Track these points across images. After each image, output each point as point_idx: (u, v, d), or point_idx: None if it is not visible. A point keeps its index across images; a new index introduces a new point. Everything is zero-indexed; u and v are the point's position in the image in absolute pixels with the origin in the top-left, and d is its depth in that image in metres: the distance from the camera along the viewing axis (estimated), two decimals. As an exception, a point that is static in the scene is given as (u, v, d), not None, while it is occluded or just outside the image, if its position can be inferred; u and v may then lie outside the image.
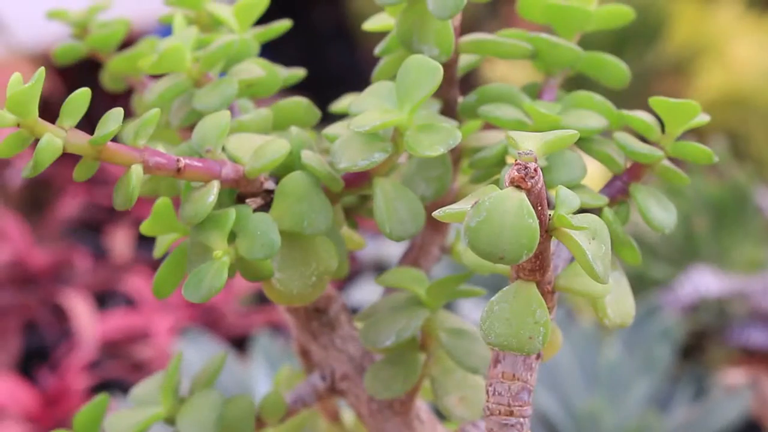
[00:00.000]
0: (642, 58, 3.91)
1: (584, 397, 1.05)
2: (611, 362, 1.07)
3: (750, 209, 1.22)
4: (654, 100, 0.45)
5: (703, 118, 0.46)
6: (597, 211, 0.46)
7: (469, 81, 0.78)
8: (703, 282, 1.09)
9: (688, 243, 1.20)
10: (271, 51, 0.68)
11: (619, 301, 0.46)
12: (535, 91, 0.50)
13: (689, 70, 4.10)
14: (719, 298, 1.16)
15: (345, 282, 1.25)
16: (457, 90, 0.50)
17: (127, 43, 0.61)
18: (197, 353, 1.06)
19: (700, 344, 1.22)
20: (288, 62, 0.55)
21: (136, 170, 0.42)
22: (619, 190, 0.47)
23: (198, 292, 0.42)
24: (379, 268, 1.33)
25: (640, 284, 1.20)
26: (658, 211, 0.46)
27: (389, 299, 0.50)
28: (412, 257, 0.54)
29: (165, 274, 0.46)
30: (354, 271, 1.30)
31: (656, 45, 3.90)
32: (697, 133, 2.61)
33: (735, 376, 1.08)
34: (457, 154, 0.52)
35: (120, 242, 1.57)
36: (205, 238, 0.44)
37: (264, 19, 0.53)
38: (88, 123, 0.43)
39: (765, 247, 1.23)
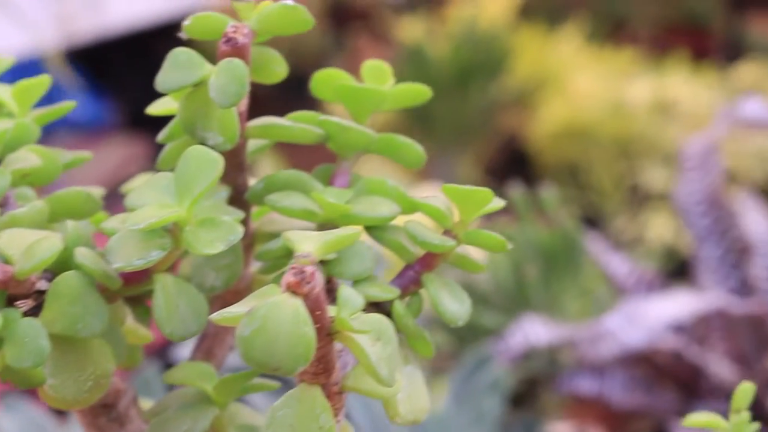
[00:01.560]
0: (486, 92, 3.97)
1: (414, 453, 1.04)
2: (440, 416, 1.06)
3: (579, 256, 1.23)
4: (446, 188, 0.44)
5: (496, 204, 0.45)
6: (389, 303, 0.45)
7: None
8: (533, 331, 1.09)
9: (520, 291, 1.21)
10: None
11: (412, 396, 0.45)
12: (327, 176, 0.48)
13: (532, 102, 4.17)
14: (550, 346, 1.16)
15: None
16: (246, 175, 0.48)
17: None
18: (14, 422, 1.01)
19: (533, 391, 1.22)
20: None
21: None
22: (411, 281, 0.46)
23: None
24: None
25: (472, 334, 1.20)
26: (451, 303, 0.45)
27: (179, 394, 0.48)
28: (206, 347, 0.52)
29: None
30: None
31: (500, 78, 3.96)
32: (542, 166, 2.64)
33: (562, 426, 1.09)
34: (249, 239, 0.50)
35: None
36: (-31, 345, 0.41)
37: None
38: None
39: (592, 296, 1.24)
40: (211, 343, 0.52)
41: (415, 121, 3.78)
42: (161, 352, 1.35)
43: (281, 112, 0.50)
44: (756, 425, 0.51)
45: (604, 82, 4.07)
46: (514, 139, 4.39)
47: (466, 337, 1.21)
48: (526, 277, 1.19)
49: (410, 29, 3.90)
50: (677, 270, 3.46)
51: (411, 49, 3.78)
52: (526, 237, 1.23)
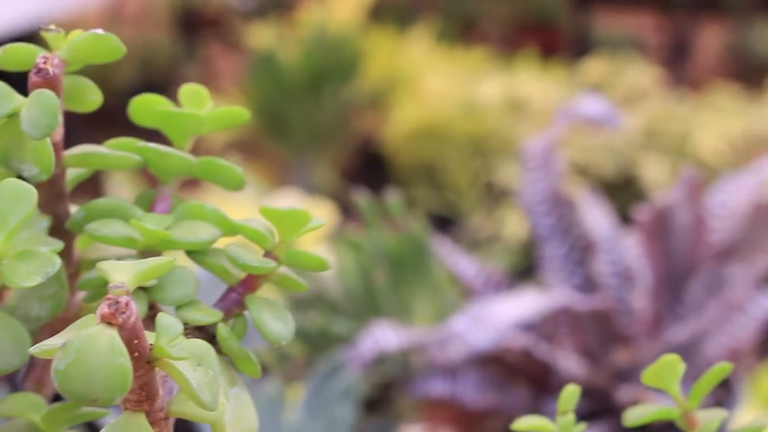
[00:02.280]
0: (339, 95, 3.98)
1: (269, 464, 1.04)
2: (294, 425, 1.06)
3: (427, 260, 1.24)
4: (264, 210, 0.45)
5: (316, 223, 0.46)
6: (213, 326, 0.45)
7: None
8: (384, 336, 1.10)
9: (369, 297, 1.22)
10: None
11: (239, 418, 0.45)
12: (148, 202, 0.49)
13: (386, 104, 4.20)
14: (401, 350, 1.17)
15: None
16: (67, 204, 0.48)
17: None
18: None
19: (387, 396, 1.23)
20: None
21: None
22: (234, 303, 0.46)
23: None
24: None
25: (324, 342, 1.21)
26: (274, 324, 0.45)
27: (10, 427, 0.48)
28: (36, 376, 0.51)
29: None
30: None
31: (353, 81, 3.98)
32: (398, 167, 2.65)
33: (415, 429, 1.10)
34: (74, 268, 0.50)
35: None
36: None
37: None
38: None
39: (442, 298, 1.26)
40: (41, 372, 0.51)
41: (270, 127, 3.78)
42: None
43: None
44: (583, 425, 0.52)
45: (457, 81, 4.12)
46: (370, 142, 4.41)
47: (319, 345, 1.21)
48: (376, 282, 1.20)
49: (261, 35, 3.90)
50: (532, 266, 3.52)
51: (262, 55, 3.77)
52: (375, 243, 1.24)
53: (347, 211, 2.45)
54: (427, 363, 1.15)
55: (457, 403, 1.15)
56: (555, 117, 1.28)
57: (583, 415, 1.16)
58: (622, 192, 3.57)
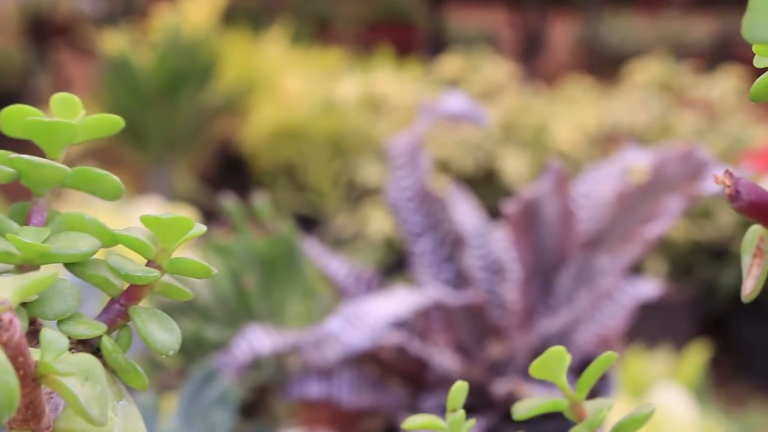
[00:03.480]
0: (196, 99, 3.94)
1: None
2: (171, 436, 1.05)
3: (298, 261, 1.24)
4: (144, 218, 0.44)
5: (198, 229, 0.45)
6: (97, 340, 0.44)
7: None
8: (257, 340, 1.09)
9: (241, 302, 1.20)
10: None
11: (127, 430, 0.44)
12: (23, 215, 0.47)
13: (244, 106, 4.17)
14: (276, 354, 1.16)
15: None
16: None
17: None
18: None
19: (263, 400, 1.23)
20: None
21: None
22: (118, 314, 0.45)
23: None
24: None
25: (198, 349, 1.19)
26: (160, 334, 0.44)
27: None
28: None
29: None
30: None
31: (209, 84, 3.94)
32: (259, 169, 2.63)
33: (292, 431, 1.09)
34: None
35: None
36: None
37: None
38: None
39: (315, 300, 1.25)
40: None
41: (126, 134, 3.73)
42: None
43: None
44: (472, 421, 0.52)
45: (314, 81, 4.12)
46: (229, 145, 4.38)
47: (193, 352, 1.20)
48: (247, 287, 1.19)
49: (113, 41, 3.84)
50: (399, 261, 3.54)
51: (115, 61, 3.71)
52: (244, 247, 1.23)
53: (209, 216, 2.43)
54: (302, 365, 1.14)
55: (334, 403, 1.15)
56: (418, 114, 1.28)
57: (463, 408, 1.16)
58: (483, 186, 3.61)
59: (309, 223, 3.71)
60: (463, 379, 1.21)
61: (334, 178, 3.91)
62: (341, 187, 3.93)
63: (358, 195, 3.89)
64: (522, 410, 0.51)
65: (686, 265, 3.54)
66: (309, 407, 1.22)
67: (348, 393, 1.15)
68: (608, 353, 0.48)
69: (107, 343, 0.44)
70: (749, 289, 0.35)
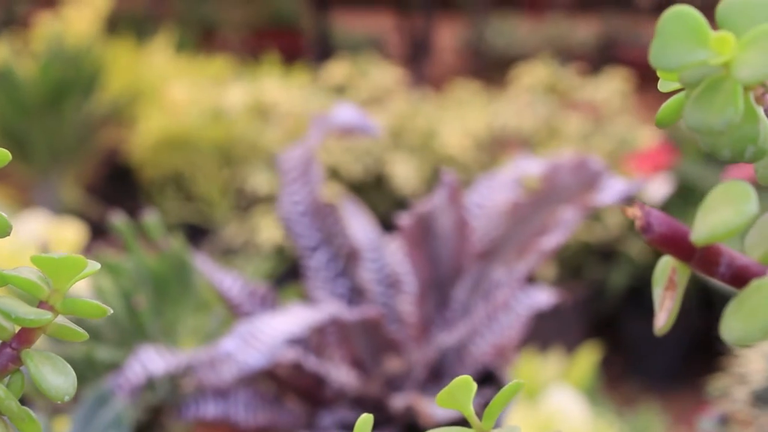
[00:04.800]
0: (82, 109, 3.87)
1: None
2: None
3: (191, 278, 1.22)
4: (35, 259, 0.42)
5: (92, 268, 0.43)
6: (-13, 386, 0.42)
7: None
8: (150, 361, 1.07)
9: (133, 322, 1.18)
10: None
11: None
12: None
13: (130, 115, 4.11)
14: (171, 374, 1.14)
15: None
16: None
17: None
18: None
19: (158, 421, 1.20)
20: None
21: None
22: (10, 359, 0.43)
23: None
24: None
25: (89, 370, 1.16)
26: (54, 378, 0.43)
27: None
28: None
29: None
30: None
31: (94, 94, 3.88)
32: (147, 179, 2.59)
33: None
34: None
35: None
36: None
37: None
38: None
39: (210, 317, 1.23)
40: None
41: (9, 146, 3.65)
42: None
43: None
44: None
45: (201, 89, 4.08)
46: (116, 155, 4.32)
47: (85, 374, 1.17)
48: (139, 306, 1.17)
49: (-6, 52, 3.75)
50: (291, 270, 3.52)
51: (-3, 72, 3.63)
52: (135, 265, 1.20)
53: (97, 229, 2.39)
54: (197, 385, 1.12)
55: (231, 423, 1.13)
56: (310, 126, 1.27)
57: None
58: (374, 191, 3.61)
59: (199, 232, 3.67)
60: (361, 394, 1.20)
61: (224, 187, 3.87)
62: (231, 195, 3.90)
63: (247, 203, 3.86)
64: (429, 441, 0.50)
65: (576, 266, 3.58)
66: (205, 428, 1.20)
67: (244, 412, 1.13)
68: (515, 383, 0.48)
69: (0, 390, 0.42)
70: (662, 321, 0.35)
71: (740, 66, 0.35)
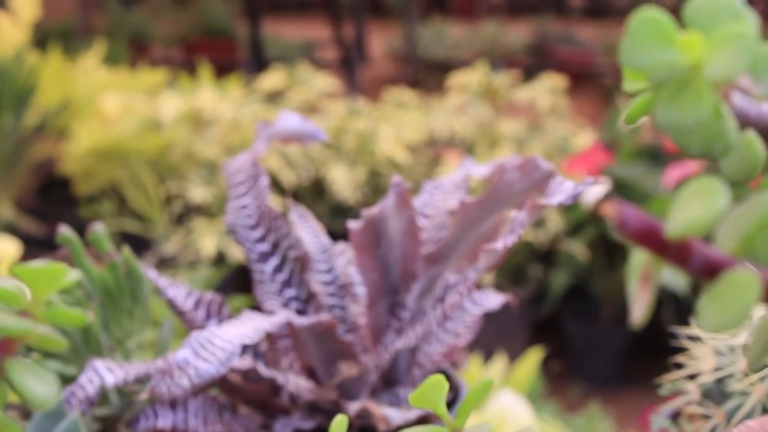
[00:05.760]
0: (21, 120, 3.84)
1: None
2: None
3: (141, 291, 1.21)
4: (16, 270, 0.42)
5: (72, 277, 0.44)
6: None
7: None
8: (103, 373, 1.07)
9: (84, 335, 1.17)
10: None
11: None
12: None
13: (64, 127, 4.08)
14: (123, 385, 1.14)
15: None
16: None
17: None
18: None
19: (116, 429, 1.20)
20: None
21: None
22: (-8, 369, 0.43)
23: None
24: None
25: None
26: (37, 386, 0.43)
27: None
28: None
29: None
30: None
31: (25, 107, 3.84)
32: (81, 192, 2.58)
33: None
34: None
35: None
36: None
37: None
38: None
39: (162, 326, 1.23)
40: None
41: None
42: None
43: None
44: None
45: (136, 100, 4.06)
46: (49, 169, 4.28)
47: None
48: (89, 318, 1.16)
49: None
50: (234, 277, 3.52)
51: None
52: (84, 278, 1.20)
53: (31, 244, 2.37)
54: (151, 396, 1.12)
55: (184, 433, 1.13)
56: (256, 134, 1.27)
57: (315, 431, 1.16)
58: (313, 198, 3.61)
59: (138, 243, 3.64)
60: (315, 401, 1.20)
61: (161, 197, 3.85)
62: (168, 205, 3.89)
63: (186, 213, 3.85)
64: (404, 440, 0.51)
65: (517, 268, 3.61)
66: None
67: (198, 422, 1.13)
68: (484, 381, 0.49)
69: (-15, 402, 0.42)
70: (639, 314, 0.36)
71: (710, 65, 0.36)
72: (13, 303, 0.44)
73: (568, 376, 3.73)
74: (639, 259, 0.37)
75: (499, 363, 2.56)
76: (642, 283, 0.37)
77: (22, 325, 0.43)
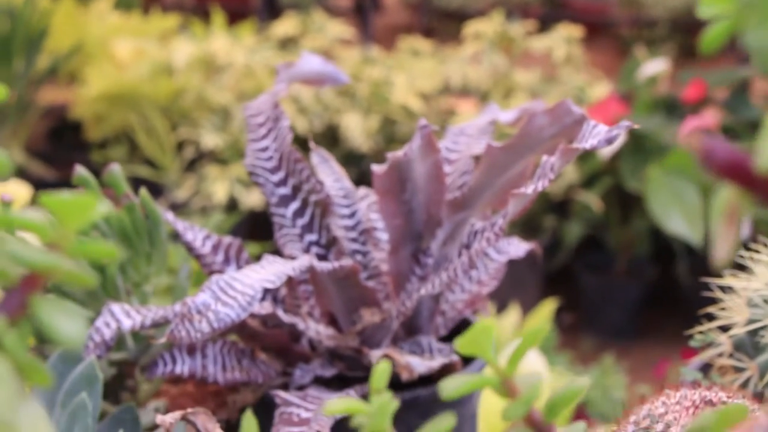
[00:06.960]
0: (33, 64, 3.80)
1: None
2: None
3: (159, 234, 1.19)
4: (44, 199, 0.39)
5: (103, 209, 0.41)
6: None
7: None
8: (120, 317, 1.05)
9: (102, 277, 1.15)
10: None
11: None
12: None
13: (75, 72, 4.04)
14: (141, 329, 1.12)
15: None
16: None
17: None
18: None
19: (125, 379, 1.18)
20: None
21: None
22: (20, 305, 0.41)
23: None
24: None
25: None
26: (65, 323, 0.40)
27: None
28: None
29: None
30: None
31: (38, 51, 3.81)
32: (93, 137, 2.55)
33: (168, 416, 1.05)
34: None
35: None
36: None
37: None
38: None
39: (179, 272, 1.21)
40: None
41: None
42: None
43: None
44: (396, 403, 0.49)
45: (148, 46, 4.01)
46: (60, 113, 4.25)
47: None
48: (108, 263, 1.14)
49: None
50: (246, 223, 3.49)
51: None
52: (101, 219, 1.17)
53: (40, 188, 2.34)
54: (168, 341, 1.10)
55: (201, 380, 1.11)
56: (276, 76, 1.24)
57: (335, 379, 1.14)
58: (328, 146, 3.58)
59: (149, 189, 3.62)
60: (335, 348, 1.18)
61: (173, 143, 3.83)
62: (180, 151, 3.86)
63: (198, 159, 3.82)
64: (450, 388, 0.48)
65: (533, 219, 3.58)
66: (173, 385, 1.18)
67: (217, 368, 1.11)
68: (537, 328, 0.46)
69: (10, 340, 0.39)
70: (722, 254, 0.33)
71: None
72: (42, 235, 0.41)
73: (580, 328, 3.71)
74: (724, 195, 0.34)
75: (513, 314, 2.54)
76: (728, 221, 0.34)
77: (50, 260, 0.40)
